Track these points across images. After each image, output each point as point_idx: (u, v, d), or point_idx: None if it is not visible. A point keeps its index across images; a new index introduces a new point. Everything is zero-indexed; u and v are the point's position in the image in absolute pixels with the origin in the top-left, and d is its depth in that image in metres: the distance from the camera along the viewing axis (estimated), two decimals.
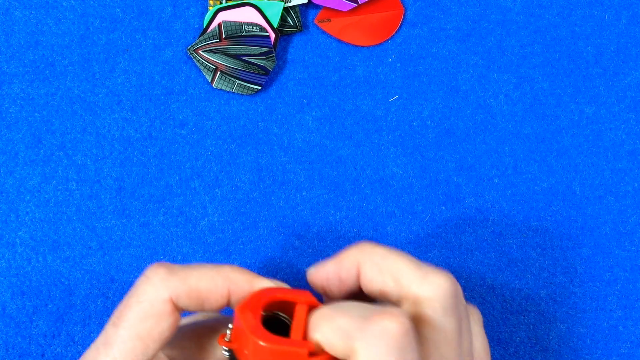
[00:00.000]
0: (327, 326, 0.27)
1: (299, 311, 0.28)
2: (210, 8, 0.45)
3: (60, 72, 0.45)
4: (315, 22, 0.45)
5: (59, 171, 0.44)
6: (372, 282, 0.31)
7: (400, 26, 0.46)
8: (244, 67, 0.44)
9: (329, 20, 0.45)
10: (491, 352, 0.44)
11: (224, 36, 0.45)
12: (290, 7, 0.45)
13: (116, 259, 0.44)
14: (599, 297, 0.45)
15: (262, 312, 0.29)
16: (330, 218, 0.45)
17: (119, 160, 0.44)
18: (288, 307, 0.30)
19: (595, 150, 0.45)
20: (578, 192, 0.45)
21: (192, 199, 0.44)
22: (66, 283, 0.44)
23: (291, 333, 0.28)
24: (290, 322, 0.30)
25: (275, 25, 0.45)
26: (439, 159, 0.45)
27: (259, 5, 0.45)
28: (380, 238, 0.44)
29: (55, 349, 0.43)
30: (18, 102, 0.44)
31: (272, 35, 0.45)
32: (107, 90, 0.45)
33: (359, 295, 0.32)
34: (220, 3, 0.45)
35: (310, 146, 0.45)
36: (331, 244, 0.44)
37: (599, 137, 0.46)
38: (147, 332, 0.29)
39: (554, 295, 0.44)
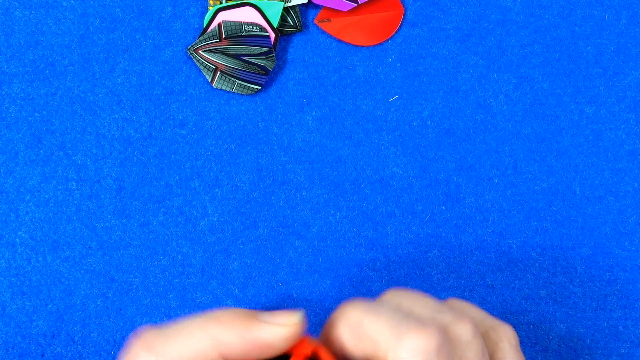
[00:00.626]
0: None
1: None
2: (210, 8, 0.45)
3: (60, 72, 0.45)
4: (315, 22, 0.45)
5: (59, 171, 0.44)
6: (356, 348, 0.30)
7: (400, 26, 0.46)
8: (244, 67, 0.44)
9: (328, 20, 0.45)
10: None
11: (224, 36, 0.45)
12: (290, 7, 0.45)
13: (116, 258, 0.44)
14: (599, 297, 0.44)
15: None
16: (330, 218, 0.44)
17: (119, 160, 0.44)
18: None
19: (595, 150, 0.45)
20: (578, 192, 0.45)
21: (192, 198, 0.44)
22: (66, 283, 0.43)
23: None
24: None
25: (275, 25, 0.45)
26: (439, 159, 0.45)
27: (259, 5, 0.45)
28: (380, 238, 0.44)
29: (55, 349, 0.43)
30: (18, 102, 0.44)
31: (272, 35, 0.45)
32: (107, 90, 0.45)
33: None
34: (220, 3, 0.45)
35: (310, 146, 0.45)
36: (331, 244, 0.44)
37: (599, 137, 0.45)
38: None
39: (554, 295, 0.44)
